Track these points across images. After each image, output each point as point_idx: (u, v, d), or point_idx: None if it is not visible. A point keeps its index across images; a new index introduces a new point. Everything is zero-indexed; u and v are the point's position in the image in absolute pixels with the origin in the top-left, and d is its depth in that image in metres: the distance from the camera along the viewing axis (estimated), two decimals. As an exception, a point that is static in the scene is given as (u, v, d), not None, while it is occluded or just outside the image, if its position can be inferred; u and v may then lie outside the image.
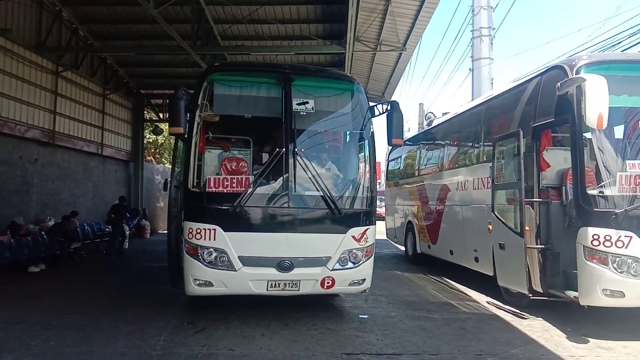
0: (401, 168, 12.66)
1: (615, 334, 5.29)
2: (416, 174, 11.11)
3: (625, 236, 5.01)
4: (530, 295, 6.00)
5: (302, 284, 5.49)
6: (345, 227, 5.61)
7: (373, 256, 5.92)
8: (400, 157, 12.67)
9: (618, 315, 5.73)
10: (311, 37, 12.62)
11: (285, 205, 5.43)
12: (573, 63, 5.64)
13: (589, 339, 5.14)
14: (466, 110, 8.87)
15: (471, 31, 17.26)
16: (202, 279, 5.35)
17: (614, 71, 5.57)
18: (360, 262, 5.71)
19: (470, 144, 8.44)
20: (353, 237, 5.64)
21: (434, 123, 10.88)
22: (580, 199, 5.30)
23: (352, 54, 12.19)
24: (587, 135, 5.36)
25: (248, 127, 6.19)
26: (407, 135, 14.16)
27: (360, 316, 6.10)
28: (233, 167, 5.93)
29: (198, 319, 5.73)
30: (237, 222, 5.40)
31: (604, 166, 5.21)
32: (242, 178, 5.52)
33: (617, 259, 5.04)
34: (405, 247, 11.86)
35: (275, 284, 5.43)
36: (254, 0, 11.46)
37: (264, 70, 6.33)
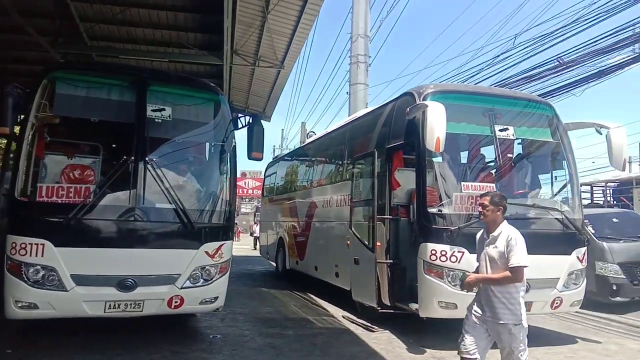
0: (275, 184, 12.69)
1: (451, 344, 5.59)
2: (288, 190, 11.20)
3: (458, 251, 5.45)
4: (379, 308, 6.26)
5: (147, 304, 5.09)
6: (198, 242, 5.35)
7: (228, 273, 5.72)
8: (276, 173, 12.71)
9: (457, 325, 6.18)
10: (188, 46, 12.18)
11: (131, 218, 5.03)
12: (421, 91, 6.10)
13: (427, 349, 5.47)
14: (333, 131, 9.19)
15: (349, 57, 18.17)
16: (25, 300, 4.69)
17: (456, 100, 6.13)
18: (214, 280, 5.47)
19: (335, 163, 8.72)
20: (207, 252, 5.39)
21: (307, 142, 11.11)
22: (421, 216, 5.68)
23: (231, 67, 12.00)
24: (430, 157, 5.79)
25: (97, 133, 5.70)
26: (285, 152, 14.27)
27: (212, 336, 5.85)
28: (76, 176, 5.37)
29: (21, 346, 5.01)
30: (71, 236, 4.85)
31: (443, 187, 5.66)
32: (80, 187, 5.01)
33: (452, 272, 5.46)
34: (276, 263, 11.82)
35: (115, 305, 4.96)
36: (121, 0, 10.73)
37: (116, 72, 5.90)
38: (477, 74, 12.52)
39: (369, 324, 6.55)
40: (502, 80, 11.99)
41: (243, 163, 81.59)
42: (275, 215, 12.03)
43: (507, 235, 3.61)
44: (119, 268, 4.95)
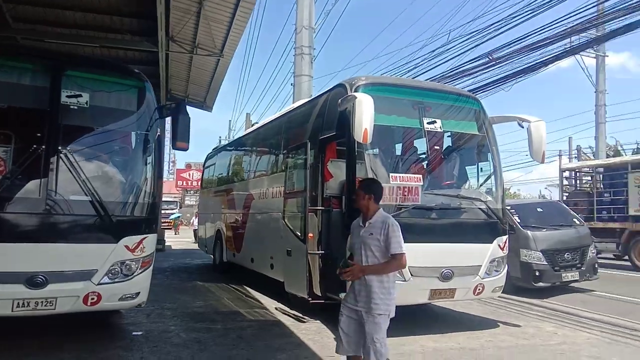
0: (214, 175, 12.42)
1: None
2: (226, 181, 10.99)
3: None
4: (310, 299, 6.25)
5: (60, 302, 4.78)
6: (116, 236, 5.07)
7: (151, 267, 5.48)
8: (215, 164, 12.43)
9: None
10: (122, 32, 11.61)
11: (41, 210, 4.70)
12: (353, 82, 6.09)
13: (354, 338, 5.51)
14: (270, 121, 9.06)
15: (294, 48, 18.02)
16: None
17: (387, 93, 6.19)
18: (134, 274, 5.21)
19: (271, 154, 8.61)
20: (126, 247, 5.13)
21: (245, 132, 10.92)
22: (351, 207, 5.69)
23: (166, 54, 11.59)
24: (360, 149, 5.79)
25: (6, 120, 5.29)
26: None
27: (134, 333, 5.60)
28: (-18, 165, 4.97)
29: None
30: None
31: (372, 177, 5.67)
32: (-21, 178, 4.63)
33: (379, 262, 5.51)
34: (214, 256, 11.58)
35: (24, 304, 4.63)
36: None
37: (28, 55, 5.50)
38: (414, 68, 12.78)
39: (300, 315, 6.53)
40: (438, 75, 12.31)
41: (187, 154, 79.86)
42: (214, 207, 11.77)
43: (384, 222, 3.54)
44: (27, 264, 4.62)
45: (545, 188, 43.82)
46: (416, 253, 5.61)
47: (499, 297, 8.30)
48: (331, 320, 6.22)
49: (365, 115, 5.16)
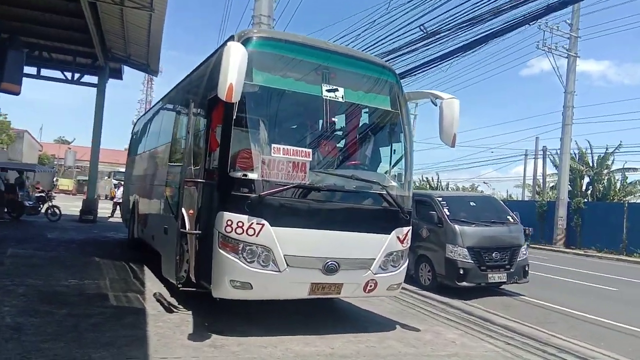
0: (135, 143, 11.35)
1: (249, 329, 4.98)
2: (141, 149, 9.97)
3: (258, 223, 4.67)
4: (180, 285, 5.39)
5: None
6: None
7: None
8: (138, 130, 11.35)
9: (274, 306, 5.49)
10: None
11: None
12: (242, 34, 5.17)
13: (214, 335, 4.72)
14: (180, 82, 8.00)
15: (252, 17, 16.88)
16: None
17: (282, 50, 5.29)
18: None
19: (172, 118, 7.58)
20: None
21: (163, 95, 9.83)
22: (221, 180, 4.82)
23: (90, 3, 10.45)
24: (242, 112, 4.87)
25: None
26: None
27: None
28: None
29: None
30: None
31: (251, 148, 4.80)
32: None
33: (248, 247, 4.67)
34: (129, 230, 10.61)
35: None
36: None
37: None
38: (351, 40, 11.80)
39: (175, 304, 5.68)
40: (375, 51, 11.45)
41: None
42: (132, 176, 10.78)
43: None
44: None
45: (485, 187, 43.15)
46: (295, 239, 4.84)
47: (417, 294, 7.66)
48: (207, 310, 5.44)
49: (231, 67, 4.28)
